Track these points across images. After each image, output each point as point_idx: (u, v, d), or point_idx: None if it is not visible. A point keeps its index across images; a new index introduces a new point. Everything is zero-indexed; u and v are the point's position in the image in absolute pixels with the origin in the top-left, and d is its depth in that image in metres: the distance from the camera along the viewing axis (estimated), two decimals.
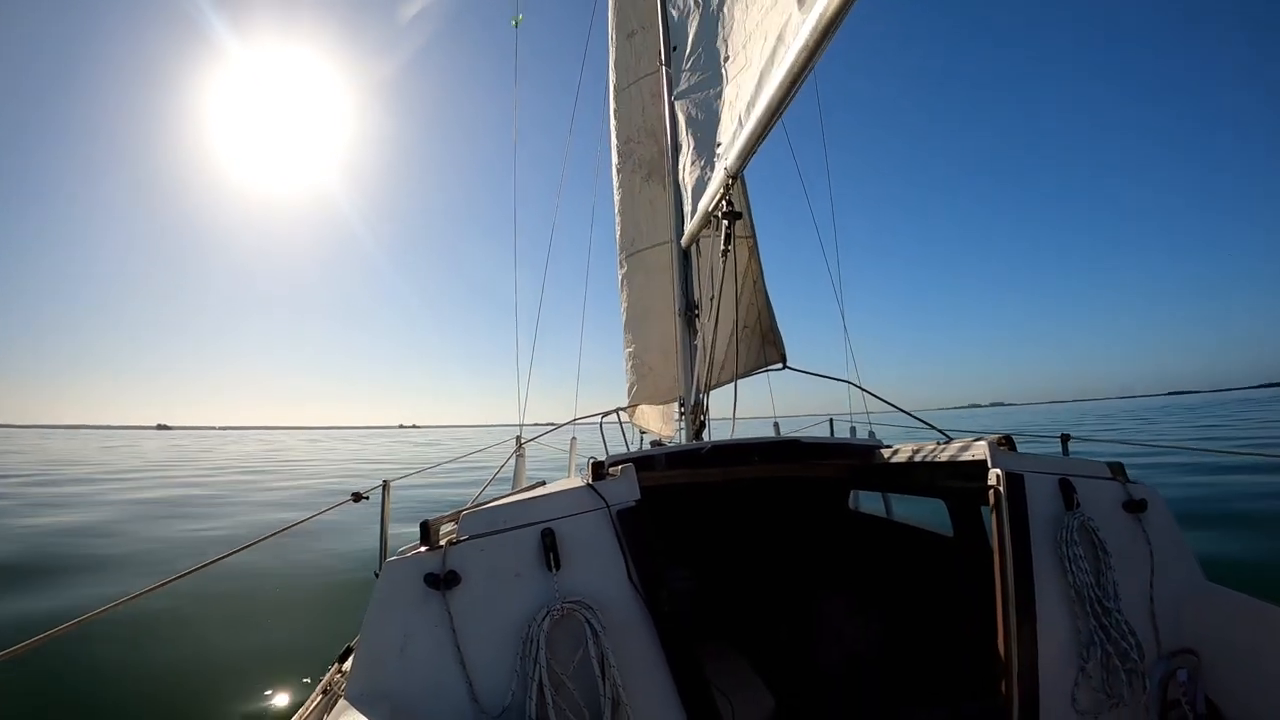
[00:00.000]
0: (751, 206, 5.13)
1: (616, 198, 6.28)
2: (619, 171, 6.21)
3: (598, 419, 6.02)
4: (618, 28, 6.27)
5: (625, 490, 2.21)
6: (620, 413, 6.25)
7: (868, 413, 5.63)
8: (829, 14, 2.20)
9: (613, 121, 6.33)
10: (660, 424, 7.17)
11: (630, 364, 6.07)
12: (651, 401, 6.03)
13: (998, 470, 2.23)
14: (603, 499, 2.15)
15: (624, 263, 6.11)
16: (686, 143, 4.13)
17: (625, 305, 6.12)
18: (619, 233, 6.23)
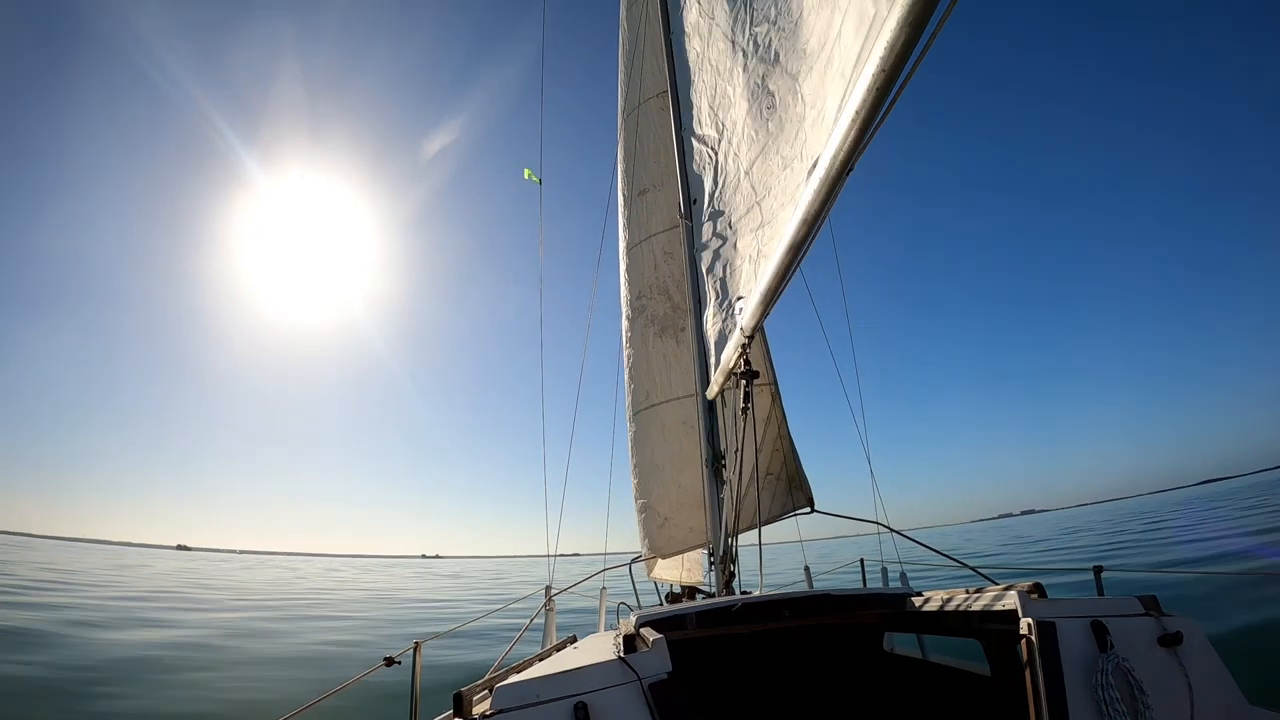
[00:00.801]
0: (772, 353, 5.20)
1: (626, 354, 6.36)
2: (630, 327, 6.32)
3: (627, 566, 6.01)
4: (630, 187, 6.55)
5: (657, 663, 2.22)
6: (635, 565, 6.18)
7: (895, 541, 5.51)
8: (830, 179, 2.36)
9: (623, 279, 6.50)
10: (676, 574, 7.01)
11: (643, 516, 6.01)
12: (667, 552, 5.92)
13: (1029, 619, 2.25)
14: (635, 672, 2.16)
15: (636, 418, 6.15)
16: (708, 296, 4.22)
17: (636, 460, 6.11)
18: (629, 388, 6.27)
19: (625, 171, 6.62)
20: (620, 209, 6.66)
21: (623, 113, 6.88)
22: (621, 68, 7.07)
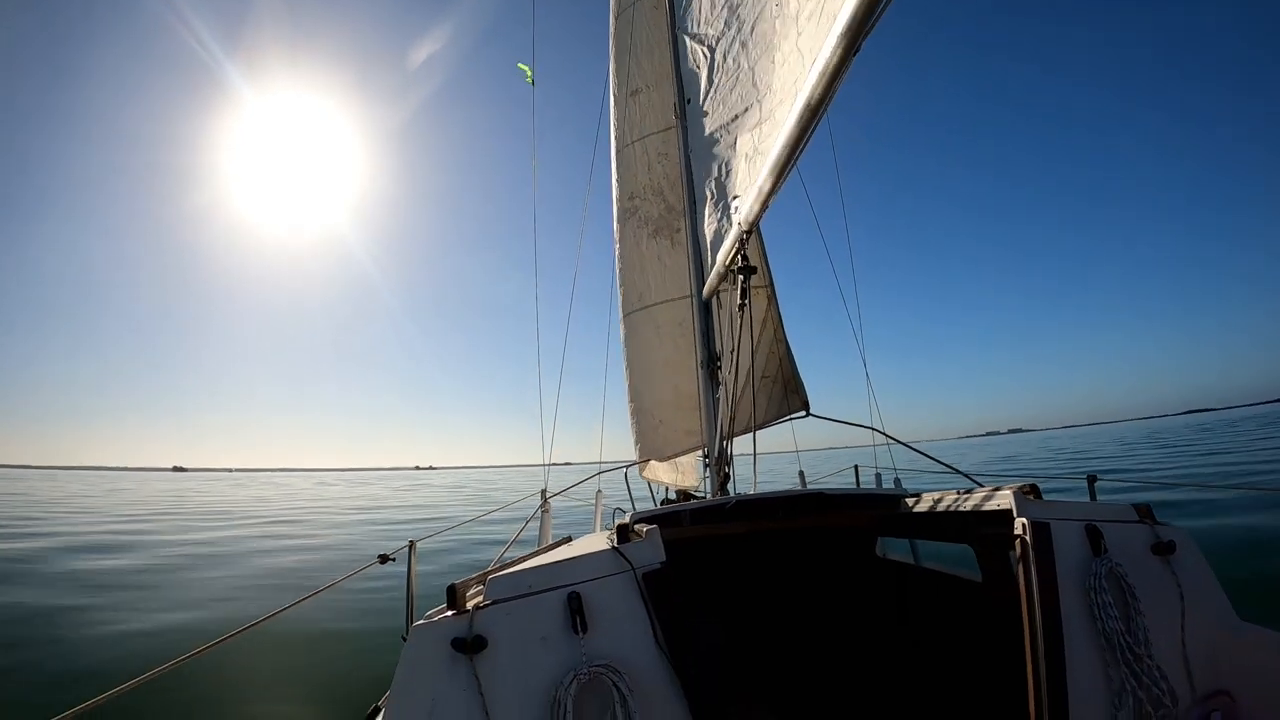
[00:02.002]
0: (769, 255, 5.16)
1: (617, 255, 6.30)
2: (622, 228, 6.25)
3: (623, 468, 6.09)
4: (621, 87, 6.37)
5: (651, 552, 2.21)
6: (630, 467, 6.26)
7: (890, 447, 5.59)
8: (832, 65, 2.29)
9: (615, 180, 6.39)
10: (673, 476, 7.12)
11: (637, 419, 6.06)
12: (663, 455, 5.99)
13: (1024, 519, 2.22)
14: (628, 561, 2.15)
15: (628, 319, 6.13)
16: (703, 196, 4.17)
17: (630, 362, 6.13)
18: (621, 290, 6.24)
19: (617, 71, 6.44)
20: (612, 110, 6.49)
21: (615, 12, 6.61)
22: None
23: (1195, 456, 30.58)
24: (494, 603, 2.01)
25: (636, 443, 6.14)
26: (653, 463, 6.43)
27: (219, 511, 29.61)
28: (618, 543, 2.24)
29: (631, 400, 6.14)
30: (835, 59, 2.26)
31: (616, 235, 6.34)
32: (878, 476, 6.33)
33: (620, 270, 6.27)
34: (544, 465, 6.81)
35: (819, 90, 2.45)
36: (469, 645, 1.91)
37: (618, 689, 1.90)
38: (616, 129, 6.40)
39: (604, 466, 6.32)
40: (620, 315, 6.26)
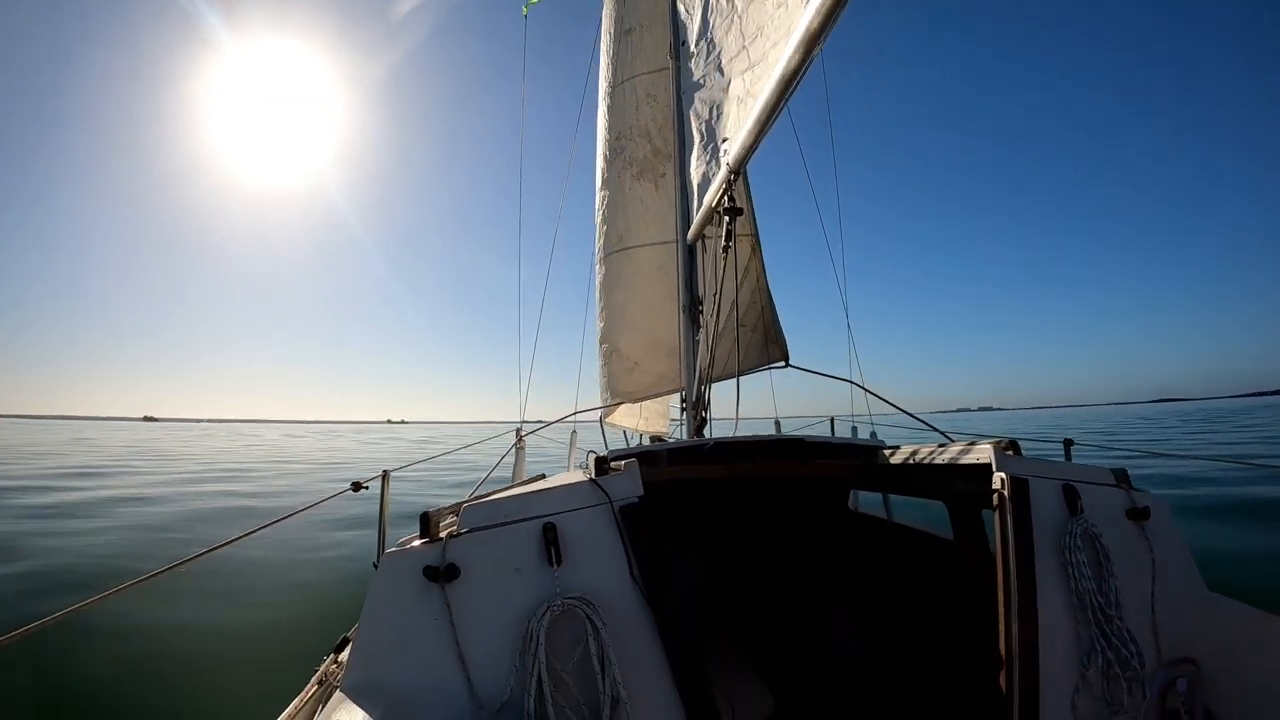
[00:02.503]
0: (755, 206, 5.14)
1: (601, 195, 6.23)
2: (606, 168, 6.18)
3: (598, 412, 6.06)
4: (615, 24, 6.25)
5: (629, 486, 2.19)
6: (610, 409, 6.25)
7: (870, 414, 5.63)
8: (827, 5, 2.24)
9: (603, 119, 6.30)
10: (634, 421, 7.11)
11: (608, 362, 6.05)
12: (636, 397, 5.99)
13: (1002, 474, 2.22)
14: (605, 494, 2.13)
15: (607, 260, 6.08)
16: (692, 139, 4.14)
17: (605, 303, 6.09)
18: (602, 230, 6.18)
19: (612, 8, 6.30)
20: (604, 47, 6.37)
21: None
22: None
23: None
24: (468, 531, 1.98)
25: (606, 387, 6.10)
26: (622, 408, 6.42)
27: (143, 463, 28.11)
28: (595, 475, 2.21)
29: (603, 343, 6.11)
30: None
31: (601, 175, 6.26)
32: (854, 430, 6.37)
33: (603, 210, 6.19)
34: (520, 420, 6.77)
35: (813, 26, 2.38)
36: (441, 574, 1.89)
37: (591, 622, 1.88)
38: (608, 68, 6.28)
39: (579, 410, 6.32)
40: (599, 256, 6.21)
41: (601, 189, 6.23)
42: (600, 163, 6.28)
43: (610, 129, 6.16)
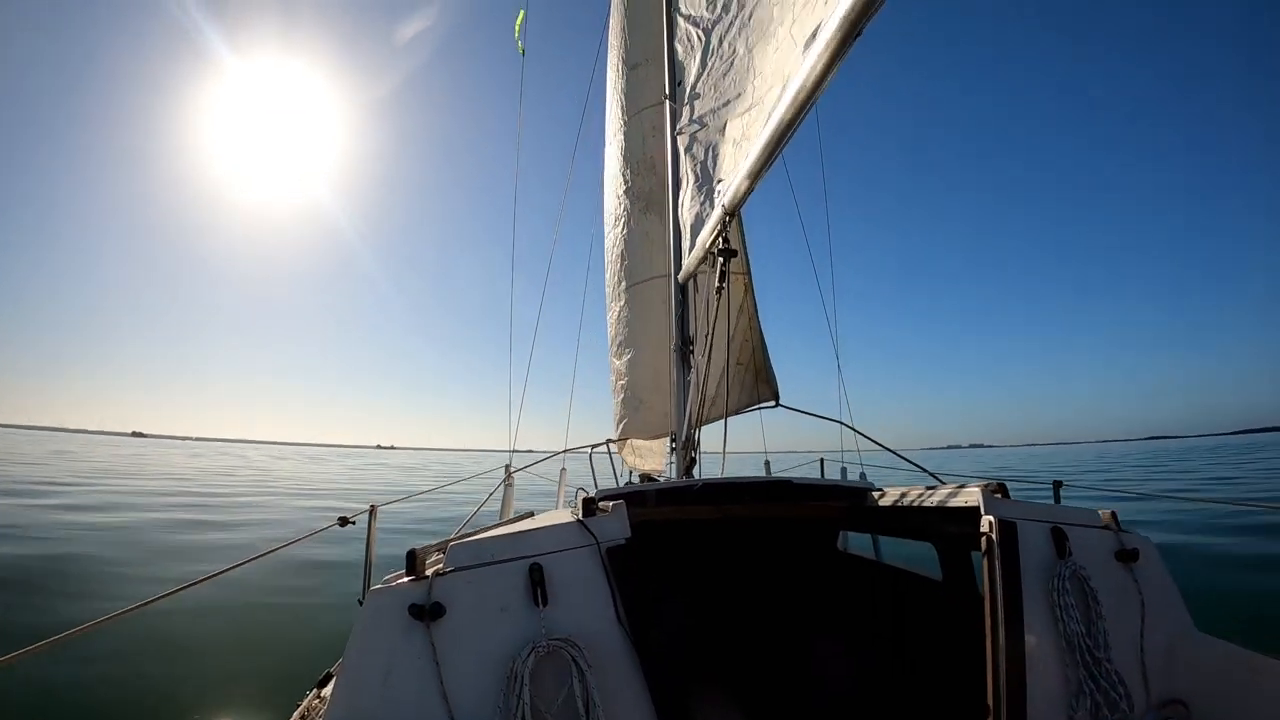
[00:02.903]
0: (749, 246, 5.17)
1: (611, 229, 6.27)
2: (619, 200, 6.22)
3: (587, 450, 6.03)
4: (623, 59, 6.34)
5: (616, 527, 2.19)
6: (610, 445, 6.23)
7: (859, 450, 5.62)
8: (828, 54, 2.27)
9: (617, 154, 6.35)
10: (633, 460, 7.13)
11: (621, 397, 6.03)
12: (642, 435, 5.98)
13: (990, 517, 2.23)
14: (593, 535, 2.12)
15: (620, 293, 6.10)
16: (687, 178, 4.17)
17: (616, 337, 6.10)
18: (621, 264, 6.20)
19: (620, 44, 6.40)
20: (611, 82, 6.46)
21: None
22: None
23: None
24: (454, 570, 1.98)
25: (620, 419, 6.08)
26: (632, 442, 6.42)
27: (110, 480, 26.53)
28: (583, 516, 2.22)
29: (617, 378, 6.09)
30: (830, 49, 2.23)
31: (616, 209, 6.27)
32: (843, 471, 6.37)
33: (614, 245, 6.21)
34: (509, 451, 6.76)
35: (811, 79, 2.44)
36: (426, 612, 1.88)
37: (576, 664, 1.88)
38: (618, 103, 6.36)
39: (569, 446, 6.30)
40: (611, 291, 6.22)
41: (613, 224, 6.26)
42: (615, 198, 6.29)
43: (625, 162, 6.20)
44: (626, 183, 6.09)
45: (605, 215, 6.40)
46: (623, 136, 6.22)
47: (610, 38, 6.54)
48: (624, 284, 6.03)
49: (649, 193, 5.91)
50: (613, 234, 6.23)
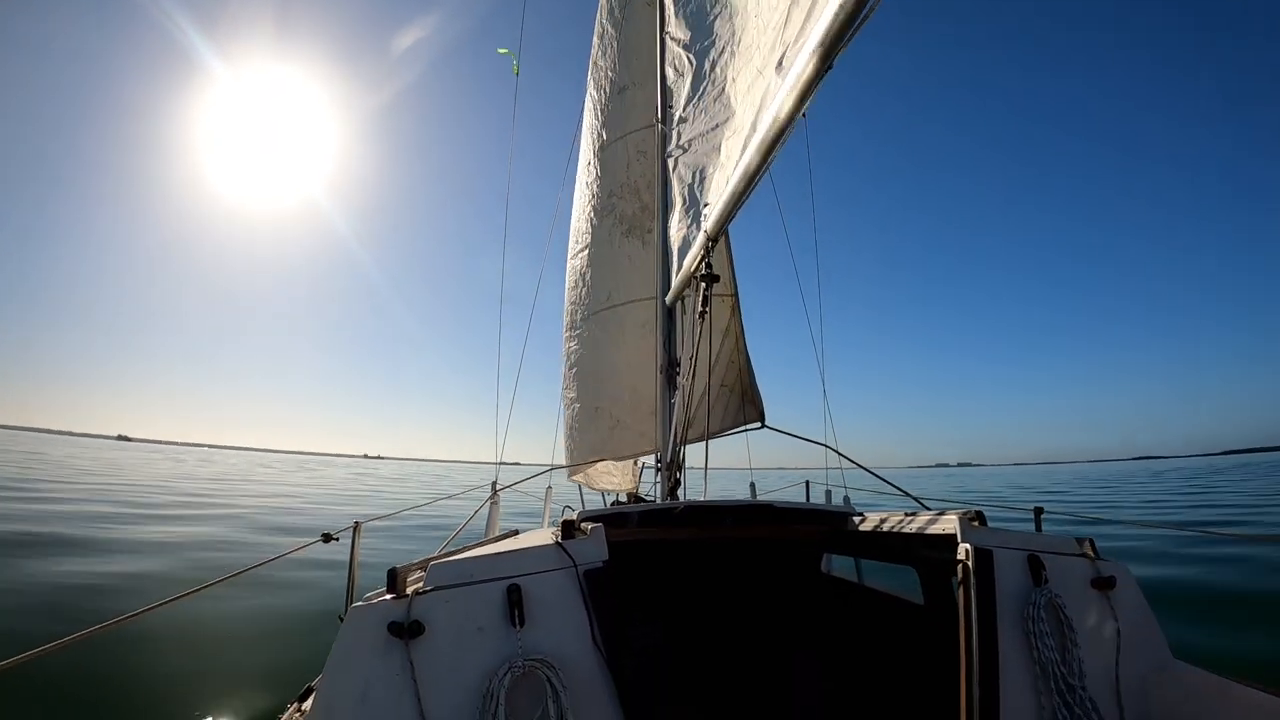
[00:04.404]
0: (736, 266, 5.19)
1: (587, 253, 6.26)
2: (599, 225, 6.21)
3: (564, 468, 6.03)
4: (610, 83, 6.37)
5: (594, 550, 2.22)
6: (571, 469, 6.25)
7: (842, 469, 5.64)
8: (804, 80, 2.30)
9: (595, 176, 6.37)
10: (608, 480, 7.09)
11: (592, 419, 6.01)
12: (620, 455, 5.97)
13: (966, 545, 2.25)
14: (570, 558, 2.15)
15: (594, 318, 6.08)
16: (675, 202, 4.19)
17: (592, 361, 6.09)
18: (589, 288, 6.20)
19: (608, 67, 6.44)
20: (596, 105, 6.49)
21: (605, 10, 6.63)
22: None
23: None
24: (434, 589, 2.00)
25: (581, 444, 6.09)
26: (590, 467, 6.40)
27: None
28: (562, 538, 2.24)
29: (584, 401, 6.09)
30: (809, 72, 2.27)
31: (590, 233, 6.29)
32: (828, 494, 6.41)
33: (589, 268, 6.21)
34: (496, 463, 6.77)
35: (788, 106, 2.48)
36: (405, 630, 1.90)
37: (551, 684, 1.89)
38: (600, 126, 6.38)
39: (555, 464, 6.32)
40: (581, 315, 6.21)
41: (587, 247, 6.25)
42: (590, 220, 6.29)
43: (603, 185, 6.20)
44: (609, 206, 6.10)
45: (572, 241, 6.41)
46: (607, 160, 6.22)
47: (591, 64, 6.58)
48: (603, 307, 6.02)
49: (631, 216, 5.93)
50: (589, 257, 6.23)
